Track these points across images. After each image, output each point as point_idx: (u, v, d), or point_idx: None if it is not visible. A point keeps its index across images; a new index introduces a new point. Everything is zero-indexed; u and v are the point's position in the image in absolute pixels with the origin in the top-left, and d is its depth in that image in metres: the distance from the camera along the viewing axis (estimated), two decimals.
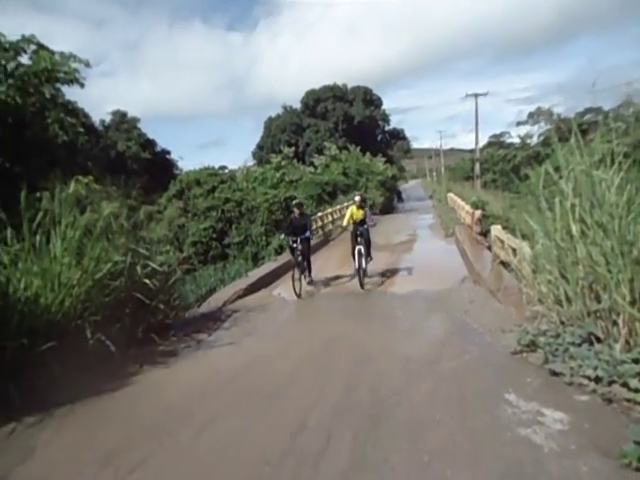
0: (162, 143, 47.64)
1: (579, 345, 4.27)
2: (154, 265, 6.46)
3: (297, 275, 8.73)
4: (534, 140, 44.13)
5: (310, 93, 57.34)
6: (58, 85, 12.80)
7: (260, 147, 58.20)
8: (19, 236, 5.23)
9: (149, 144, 45.08)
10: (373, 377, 4.54)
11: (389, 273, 10.18)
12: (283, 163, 29.03)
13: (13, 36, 12.33)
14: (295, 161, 32.04)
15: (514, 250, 7.05)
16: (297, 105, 58.83)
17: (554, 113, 39.59)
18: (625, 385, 3.62)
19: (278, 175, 26.88)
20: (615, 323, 4.25)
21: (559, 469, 2.77)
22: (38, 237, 5.22)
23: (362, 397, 4.07)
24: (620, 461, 2.75)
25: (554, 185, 5.26)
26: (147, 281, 6.18)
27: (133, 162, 42.44)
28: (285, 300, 8.63)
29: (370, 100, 57.47)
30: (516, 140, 48.31)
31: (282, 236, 9.66)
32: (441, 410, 3.68)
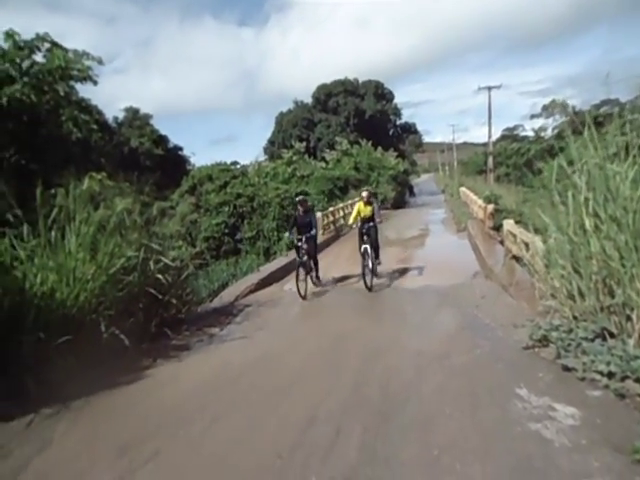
0: (174, 139, 47.91)
1: (592, 340, 4.24)
2: (167, 260, 6.53)
3: (302, 276, 8.29)
4: (548, 133, 43.60)
5: (321, 88, 57.16)
6: (72, 83, 12.98)
7: (271, 142, 58.22)
8: (35, 232, 5.32)
9: (162, 140, 45.33)
10: (383, 372, 4.56)
11: (400, 268, 10.16)
12: (294, 158, 29.03)
13: (27, 35, 12.50)
14: (306, 156, 32.02)
15: (527, 244, 7.00)
16: (308, 100, 58.74)
17: (568, 105, 38.96)
18: (638, 381, 3.59)
19: (289, 170, 26.90)
20: (629, 318, 4.20)
21: (570, 464, 2.76)
22: (53, 233, 5.30)
23: (372, 391, 4.09)
24: (632, 457, 2.73)
25: (567, 179, 5.19)
26: (160, 276, 6.25)
27: (146, 158, 42.74)
28: (296, 295, 8.66)
29: (381, 94, 57.09)
30: (530, 133, 47.82)
31: (286, 234, 9.15)
32: (451, 405, 3.68)
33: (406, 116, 64.80)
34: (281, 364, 5.14)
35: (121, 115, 45.88)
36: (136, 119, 45.73)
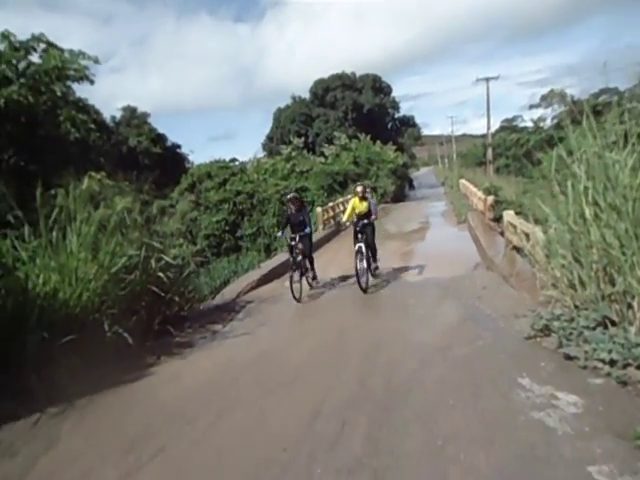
0: (172, 137, 47.91)
1: (593, 329, 4.25)
2: (168, 258, 6.56)
3: (296, 277, 7.74)
4: (547, 123, 43.52)
5: (319, 82, 56.96)
6: (69, 83, 12.96)
7: (270, 138, 58.10)
8: (36, 233, 5.34)
9: (160, 139, 45.27)
10: (386, 364, 4.58)
11: (400, 261, 10.18)
12: (293, 154, 28.98)
13: (22, 35, 12.47)
14: (305, 151, 31.94)
15: (527, 235, 7.01)
16: (306, 95, 58.53)
17: (567, 95, 38.85)
18: None
19: (288, 166, 26.88)
20: (630, 306, 4.21)
21: (573, 451, 2.78)
22: (54, 233, 5.31)
23: (375, 384, 4.11)
24: (634, 443, 2.75)
25: (567, 169, 5.19)
26: (161, 274, 6.28)
27: (144, 157, 42.71)
28: None
29: (379, 88, 56.90)
30: (529, 124, 47.72)
31: (279, 234, 8.55)
32: (454, 395, 3.70)
33: (404, 109, 64.88)
34: (284, 359, 5.17)
35: (118, 114, 45.85)
36: (134, 118, 45.66)
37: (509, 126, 52.99)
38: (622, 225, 4.27)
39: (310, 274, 8.47)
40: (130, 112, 46.03)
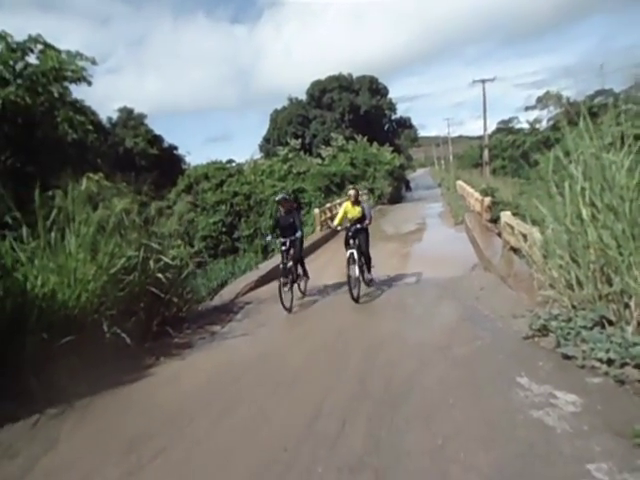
0: (169, 138, 47.76)
1: (591, 328, 4.28)
2: (167, 259, 6.56)
3: (287, 285, 7.20)
4: (543, 125, 43.69)
5: (315, 84, 57.01)
6: (66, 84, 12.93)
7: (267, 140, 58.10)
8: (34, 234, 5.33)
9: (156, 140, 45.19)
10: (385, 364, 4.59)
11: (398, 262, 10.20)
12: (290, 155, 29.02)
13: (19, 36, 12.45)
14: (302, 153, 32.02)
15: (524, 236, 7.04)
16: (303, 96, 58.59)
17: (563, 97, 39.03)
18: (638, 367, 3.64)
19: (285, 167, 26.94)
20: (627, 306, 4.25)
21: (572, 449, 2.80)
22: (53, 234, 5.31)
23: (375, 383, 4.13)
24: (633, 441, 2.77)
25: (564, 170, 5.23)
26: (160, 275, 6.28)
27: (141, 158, 42.63)
28: (296, 291, 8.67)
29: (376, 89, 57.00)
30: (525, 125, 47.86)
31: (268, 238, 7.92)
32: (454, 394, 3.72)
33: (401, 110, 65.03)
34: (283, 360, 5.18)
35: (115, 115, 45.75)
36: (130, 119, 45.58)
37: (505, 128, 53.06)
38: (619, 226, 4.31)
39: (302, 281, 7.99)
40: (126, 113, 45.94)
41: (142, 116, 46.29)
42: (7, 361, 4.34)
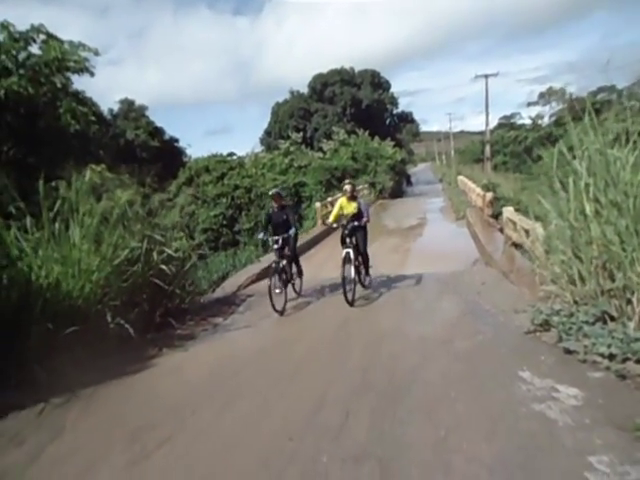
0: (170, 131, 47.45)
1: (593, 324, 4.31)
2: (169, 251, 6.57)
3: (278, 285, 6.78)
4: (545, 120, 43.60)
5: (317, 77, 56.75)
6: (68, 74, 12.88)
7: (268, 133, 57.91)
8: (38, 225, 5.34)
9: (157, 132, 45.04)
10: (388, 357, 4.62)
11: (399, 256, 10.22)
12: (291, 149, 28.94)
13: (22, 26, 12.39)
14: (303, 146, 31.94)
15: (527, 231, 7.06)
16: (304, 90, 58.33)
17: (566, 92, 38.92)
18: (639, 362, 3.67)
19: (287, 161, 26.85)
20: (629, 301, 4.27)
21: (574, 442, 2.83)
22: (57, 225, 5.33)
23: (378, 376, 4.16)
24: (634, 434, 2.80)
25: (567, 165, 5.23)
26: (163, 267, 6.30)
27: (142, 150, 42.50)
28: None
29: (378, 83, 56.77)
30: (527, 121, 47.77)
31: (260, 235, 7.40)
32: (456, 388, 3.75)
33: (403, 105, 64.69)
34: (286, 351, 5.21)
35: (116, 107, 45.58)
36: (131, 111, 45.41)
37: (507, 123, 52.93)
38: (623, 221, 4.32)
39: (297, 280, 7.56)
40: (127, 105, 45.76)
41: (143, 108, 46.13)
42: (12, 350, 4.37)
